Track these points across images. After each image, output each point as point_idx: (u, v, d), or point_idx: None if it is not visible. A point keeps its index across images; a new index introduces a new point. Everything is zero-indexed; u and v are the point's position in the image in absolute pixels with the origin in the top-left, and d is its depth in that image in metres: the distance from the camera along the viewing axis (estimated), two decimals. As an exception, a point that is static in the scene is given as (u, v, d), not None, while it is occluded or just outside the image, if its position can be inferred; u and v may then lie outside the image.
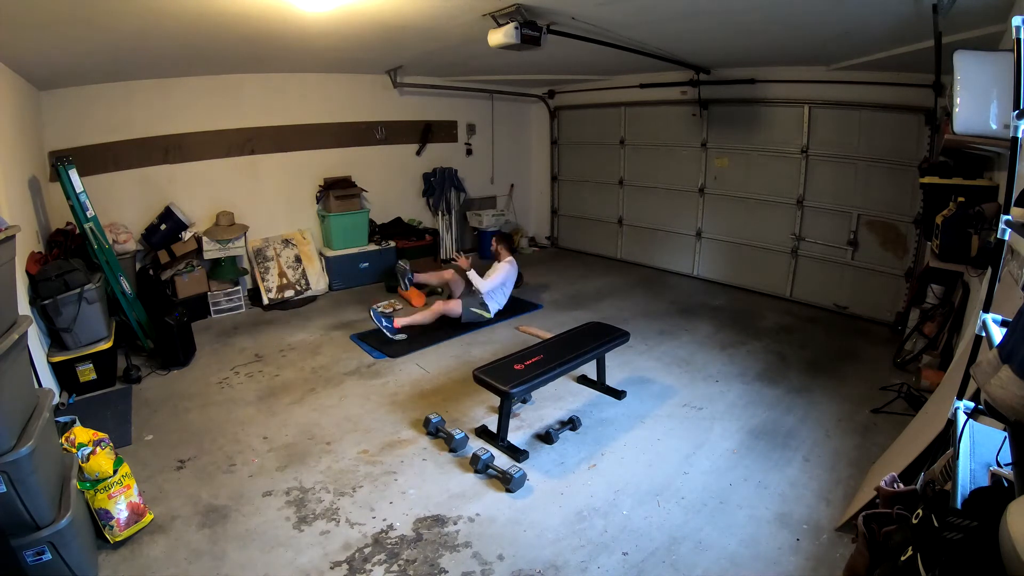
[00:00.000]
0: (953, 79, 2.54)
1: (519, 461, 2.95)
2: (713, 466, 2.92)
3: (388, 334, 4.57)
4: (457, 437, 3.04)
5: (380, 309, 5.29)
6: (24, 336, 2.10)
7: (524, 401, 3.54)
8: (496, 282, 4.98)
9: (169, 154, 5.17)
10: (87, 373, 3.67)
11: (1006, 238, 1.62)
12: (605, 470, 2.90)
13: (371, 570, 2.24)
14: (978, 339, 1.72)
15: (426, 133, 6.84)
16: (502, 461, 2.94)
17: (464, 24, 3.79)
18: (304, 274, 5.76)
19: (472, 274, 4.98)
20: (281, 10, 3.21)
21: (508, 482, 2.71)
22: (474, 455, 2.88)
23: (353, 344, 4.57)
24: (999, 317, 1.61)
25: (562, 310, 5.36)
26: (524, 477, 2.76)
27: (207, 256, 5.22)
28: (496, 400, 3.20)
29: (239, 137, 5.53)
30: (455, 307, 4.84)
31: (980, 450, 1.55)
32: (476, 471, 2.86)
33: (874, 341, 4.64)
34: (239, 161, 5.59)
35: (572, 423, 3.28)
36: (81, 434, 2.44)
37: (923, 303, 4.02)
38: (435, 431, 3.18)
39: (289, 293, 5.60)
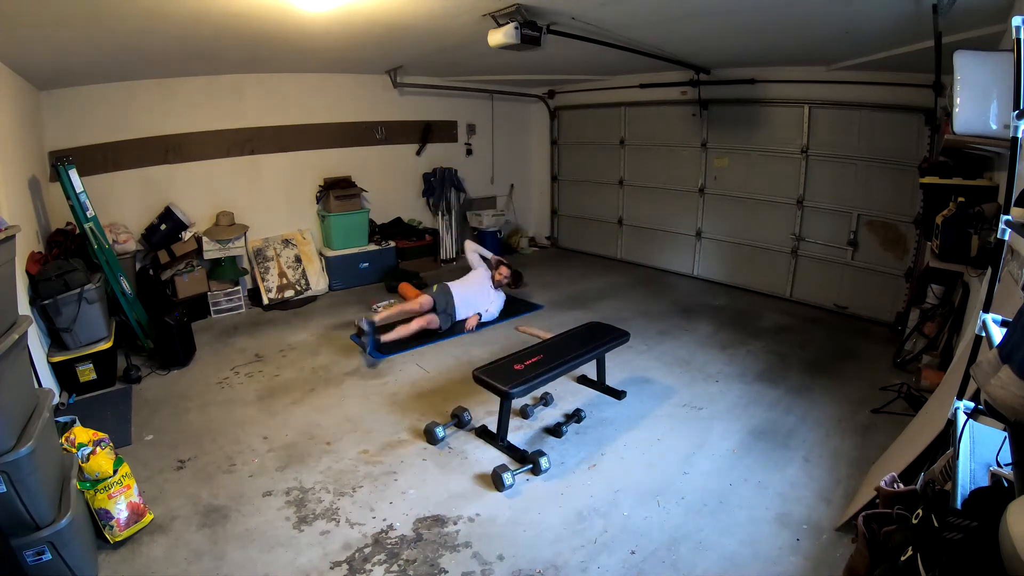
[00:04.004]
0: (953, 79, 2.53)
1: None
2: (713, 466, 2.92)
3: (373, 358, 4.15)
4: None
5: (371, 319, 4.96)
6: (24, 336, 2.10)
7: (546, 404, 3.55)
8: (470, 290, 4.91)
9: (169, 154, 5.16)
10: (87, 373, 3.67)
11: (1006, 238, 1.63)
12: (605, 470, 2.90)
13: (371, 570, 2.24)
14: (978, 339, 1.72)
15: (426, 133, 6.84)
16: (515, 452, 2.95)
17: (464, 24, 3.79)
18: (304, 274, 5.76)
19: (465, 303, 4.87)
20: (281, 10, 3.22)
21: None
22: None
23: (353, 344, 4.56)
24: (999, 317, 1.61)
25: (562, 310, 5.36)
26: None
27: (207, 256, 5.22)
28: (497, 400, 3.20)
29: (239, 137, 5.52)
30: (433, 321, 4.66)
31: (980, 450, 1.55)
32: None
33: (874, 341, 4.64)
34: (239, 161, 5.59)
35: (577, 415, 3.34)
36: (81, 434, 2.44)
37: (923, 303, 4.02)
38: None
39: (289, 293, 5.60)
